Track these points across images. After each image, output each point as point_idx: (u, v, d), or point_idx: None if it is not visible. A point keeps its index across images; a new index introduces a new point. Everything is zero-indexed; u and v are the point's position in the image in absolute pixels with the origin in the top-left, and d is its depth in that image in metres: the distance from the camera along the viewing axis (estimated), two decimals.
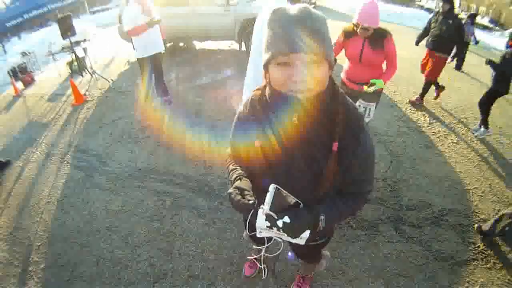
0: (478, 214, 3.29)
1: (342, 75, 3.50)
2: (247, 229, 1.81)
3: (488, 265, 2.83)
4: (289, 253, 2.01)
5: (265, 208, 1.16)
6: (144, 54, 4.99)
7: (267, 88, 1.21)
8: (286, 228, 1.18)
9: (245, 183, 1.30)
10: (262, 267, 1.65)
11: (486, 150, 4.30)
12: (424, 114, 5.12)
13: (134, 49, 5.06)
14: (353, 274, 2.76)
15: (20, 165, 4.88)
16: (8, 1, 12.20)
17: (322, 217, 1.23)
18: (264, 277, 1.76)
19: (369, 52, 3.06)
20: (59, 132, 5.57)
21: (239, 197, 1.23)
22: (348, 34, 3.17)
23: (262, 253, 1.55)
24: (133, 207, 3.59)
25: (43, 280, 2.99)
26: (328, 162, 1.18)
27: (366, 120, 3.32)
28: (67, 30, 7.71)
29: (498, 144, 4.42)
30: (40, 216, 3.73)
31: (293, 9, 1.02)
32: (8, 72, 9.01)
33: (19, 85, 8.64)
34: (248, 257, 2.31)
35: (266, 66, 1.11)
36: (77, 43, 8.41)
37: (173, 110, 5.48)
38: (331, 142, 1.15)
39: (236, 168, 1.43)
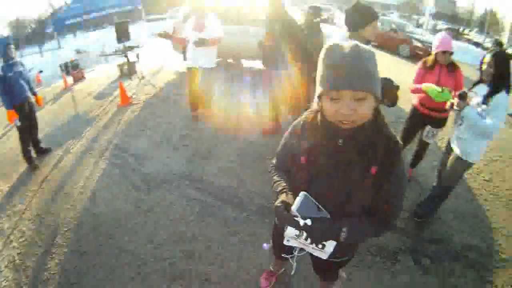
0: (500, 254, 3.13)
1: (415, 101, 3.72)
2: (271, 242, 2.05)
3: None
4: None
5: (292, 208, 1.31)
6: (192, 65, 5.11)
7: (319, 114, 1.35)
8: (307, 231, 1.32)
9: (290, 197, 1.42)
10: (294, 264, 1.79)
11: None
12: None
13: (184, 59, 5.16)
14: None
15: (60, 154, 5.05)
16: (70, 1, 13.01)
17: (345, 229, 1.32)
18: (292, 273, 1.83)
19: (445, 77, 3.35)
20: (102, 129, 5.76)
21: (284, 211, 1.36)
22: (429, 66, 3.45)
23: (295, 253, 1.68)
24: (163, 208, 3.61)
25: (63, 262, 3.04)
26: (364, 182, 1.29)
27: (431, 142, 3.75)
28: (123, 35, 8.11)
29: None
30: (71, 204, 3.82)
31: (344, 46, 1.15)
32: (60, 66, 9.51)
33: (70, 79, 9.08)
34: (283, 255, 2.33)
35: (319, 97, 1.26)
36: (131, 48, 8.80)
37: (212, 123, 5.54)
38: (370, 166, 1.27)
39: (281, 180, 1.56)
